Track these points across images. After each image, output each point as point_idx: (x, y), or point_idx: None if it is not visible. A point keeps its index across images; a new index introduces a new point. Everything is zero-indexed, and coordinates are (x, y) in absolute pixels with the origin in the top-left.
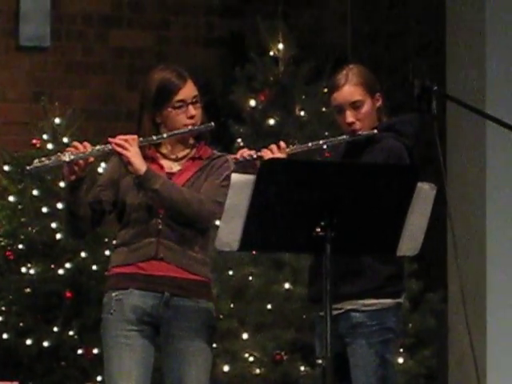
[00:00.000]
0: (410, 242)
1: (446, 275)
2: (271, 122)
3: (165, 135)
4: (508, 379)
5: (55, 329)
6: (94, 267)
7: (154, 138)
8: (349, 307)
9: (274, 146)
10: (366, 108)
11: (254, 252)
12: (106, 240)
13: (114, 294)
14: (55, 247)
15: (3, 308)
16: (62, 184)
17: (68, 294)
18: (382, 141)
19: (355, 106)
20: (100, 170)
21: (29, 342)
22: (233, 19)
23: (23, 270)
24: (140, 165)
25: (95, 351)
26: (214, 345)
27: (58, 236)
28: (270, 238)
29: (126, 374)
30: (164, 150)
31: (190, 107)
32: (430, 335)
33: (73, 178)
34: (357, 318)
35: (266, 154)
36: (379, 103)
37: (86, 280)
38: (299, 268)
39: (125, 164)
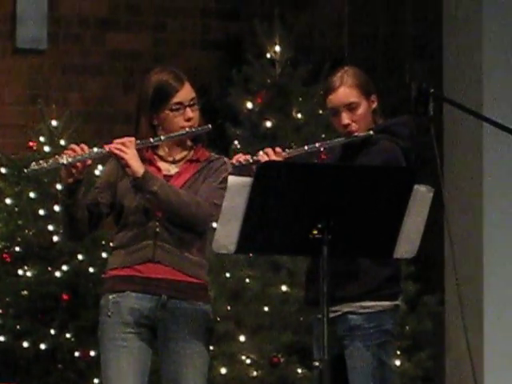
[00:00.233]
0: (407, 244)
1: (443, 278)
2: (268, 124)
3: (162, 137)
4: (505, 381)
5: (52, 331)
6: (91, 270)
7: (152, 140)
8: (346, 310)
9: (269, 150)
10: (361, 110)
11: (250, 254)
12: (103, 242)
13: (111, 297)
14: (52, 250)
15: (0, 310)
16: (58, 186)
17: (65, 297)
18: (378, 143)
19: (351, 107)
20: (97, 172)
21: (26, 344)
22: (229, 21)
23: (20, 272)
24: (138, 167)
25: (92, 353)
26: (211, 347)
27: (55, 238)
28: (266, 240)
29: (124, 376)
30: (161, 153)
31: (188, 109)
32: (427, 337)
33: (70, 180)
34: (354, 321)
35: (262, 159)
36: (374, 105)
37: (83, 282)
38: (296, 270)
39: (122, 166)
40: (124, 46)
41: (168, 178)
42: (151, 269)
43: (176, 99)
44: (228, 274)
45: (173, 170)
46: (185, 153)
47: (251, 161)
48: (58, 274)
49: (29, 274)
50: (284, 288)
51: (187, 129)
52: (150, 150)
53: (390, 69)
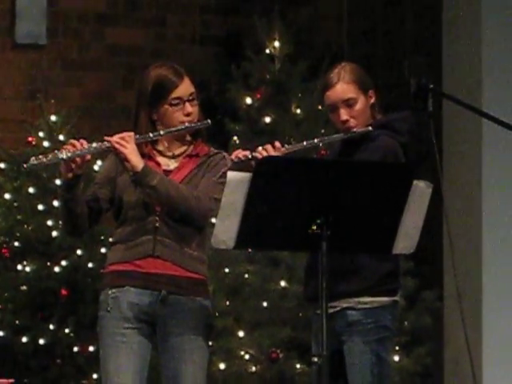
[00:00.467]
0: (406, 240)
1: (441, 273)
2: (267, 119)
3: (161, 132)
4: (504, 377)
5: (51, 326)
6: (90, 265)
7: (151, 135)
8: (345, 305)
9: (268, 146)
10: (359, 105)
11: (249, 250)
12: (102, 238)
13: (110, 292)
14: (51, 245)
15: None
16: (58, 182)
17: (64, 292)
18: (377, 139)
19: (349, 103)
20: (96, 167)
21: (24, 339)
22: (229, 17)
23: (19, 267)
24: (137, 162)
25: (91, 349)
26: (210, 343)
27: (54, 234)
28: (265, 235)
29: (123, 371)
30: (161, 148)
31: (187, 104)
32: (425, 333)
33: (70, 175)
34: (353, 316)
35: (261, 154)
36: (372, 100)
37: (82, 278)
38: (295, 266)
39: (122, 161)
40: (123, 41)
41: (167, 172)
42: (151, 264)
43: (175, 94)
44: (227, 270)
45: (172, 164)
46: (184, 148)
47: (250, 157)
48: (57, 269)
49: (28, 269)
50: (283, 283)
51: (187, 124)
52: (150, 144)
53: (390, 65)
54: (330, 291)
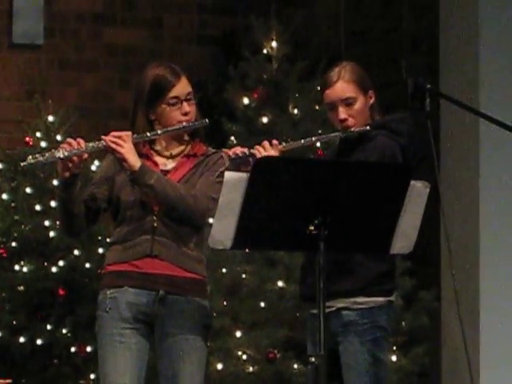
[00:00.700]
0: (404, 240)
1: (439, 273)
2: (264, 120)
3: (159, 132)
4: (501, 377)
5: (48, 326)
6: (87, 265)
7: (148, 134)
8: (340, 305)
9: (266, 143)
10: (358, 105)
11: (247, 250)
12: (100, 238)
13: (108, 292)
14: (48, 245)
15: None
16: (55, 182)
17: (61, 292)
18: (375, 139)
19: (348, 102)
20: (94, 167)
21: (22, 339)
22: (226, 17)
23: (16, 267)
24: (134, 161)
25: (88, 349)
26: (208, 343)
27: (52, 234)
28: (263, 236)
29: (121, 371)
30: (158, 147)
31: (184, 104)
32: (423, 333)
33: (67, 174)
34: (348, 317)
35: (259, 151)
36: (372, 101)
37: (79, 278)
38: (292, 266)
39: (120, 161)
40: (120, 41)
41: (165, 172)
42: (149, 264)
43: (172, 94)
44: (224, 270)
45: (170, 164)
46: (182, 147)
47: (248, 153)
48: (54, 269)
49: (25, 269)
50: (280, 284)
51: (184, 123)
52: (147, 144)
53: (387, 65)
54: (325, 291)
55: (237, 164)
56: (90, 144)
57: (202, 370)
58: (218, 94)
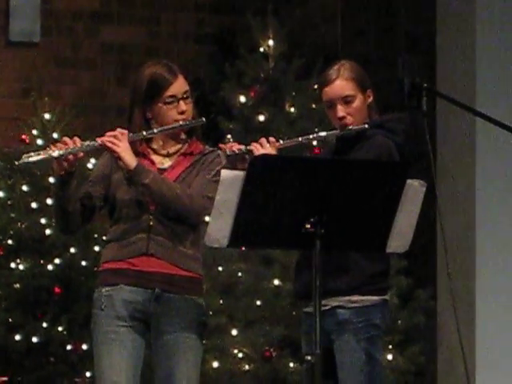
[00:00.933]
0: (400, 238)
1: (435, 272)
2: (261, 118)
3: (155, 130)
4: (497, 376)
5: (44, 324)
6: (83, 263)
7: (145, 133)
8: (335, 304)
9: (263, 140)
10: (356, 103)
11: (243, 248)
12: (96, 236)
13: (104, 290)
14: (44, 243)
15: None
16: (51, 180)
17: (57, 290)
18: (372, 138)
19: (346, 100)
20: (90, 165)
21: (18, 337)
22: (223, 15)
23: (12, 265)
24: (130, 160)
25: (84, 347)
26: (204, 341)
27: (48, 232)
28: (259, 234)
29: (116, 369)
30: (155, 146)
31: (181, 102)
32: (419, 332)
33: (62, 172)
34: (343, 315)
35: (256, 148)
36: (370, 100)
37: (75, 276)
38: (288, 264)
39: (116, 159)
40: (117, 39)
41: (162, 171)
42: (145, 262)
43: (169, 92)
44: (220, 268)
45: (166, 163)
46: (179, 146)
47: (244, 150)
48: (50, 267)
49: (21, 267)
50: (276, 282)
51: (181, 122)
52: (144, 143)
53: (383, 63)
54: (321, 289)
55: (233, 161)
56: (86, 142)
57: (197, 368)
58: (215, 92)
